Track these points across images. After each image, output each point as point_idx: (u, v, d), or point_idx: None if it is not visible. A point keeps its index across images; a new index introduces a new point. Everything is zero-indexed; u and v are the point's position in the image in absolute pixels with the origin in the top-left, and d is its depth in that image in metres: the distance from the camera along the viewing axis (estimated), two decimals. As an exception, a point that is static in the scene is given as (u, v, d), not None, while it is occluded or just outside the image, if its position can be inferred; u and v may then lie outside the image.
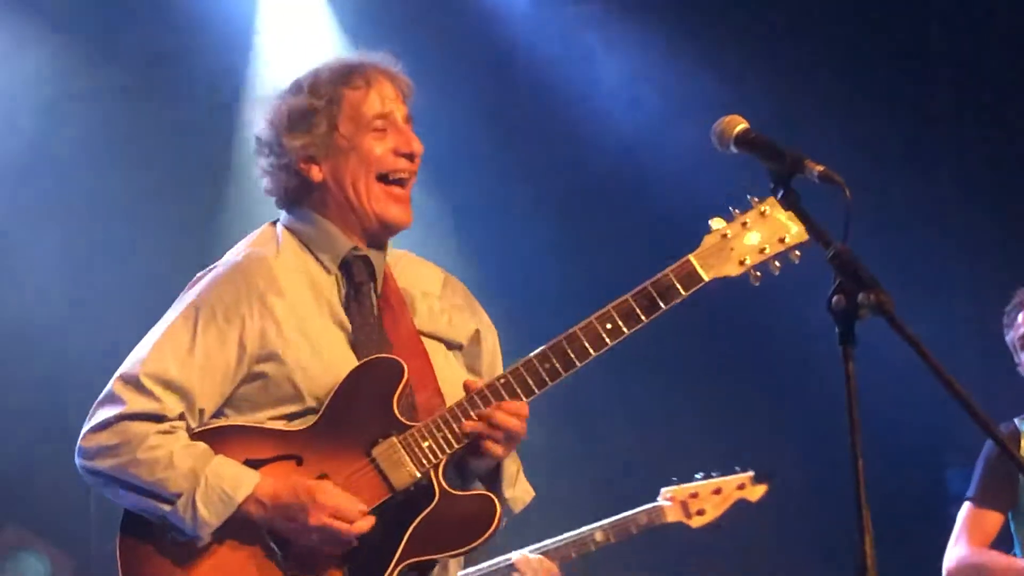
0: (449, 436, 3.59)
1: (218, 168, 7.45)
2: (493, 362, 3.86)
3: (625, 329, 3.62)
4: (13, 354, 7.12)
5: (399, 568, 3.56)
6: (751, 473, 5.70)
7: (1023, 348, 5.93)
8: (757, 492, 5.70)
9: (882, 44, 8.15)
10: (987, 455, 5.87)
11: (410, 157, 3.76)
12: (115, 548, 3.62)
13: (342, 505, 3.52)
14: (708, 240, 3.67)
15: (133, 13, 7.38)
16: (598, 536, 5.44)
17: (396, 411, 3.61)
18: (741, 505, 5.74)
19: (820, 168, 3.06)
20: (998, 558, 5.85)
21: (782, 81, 7.85)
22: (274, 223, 3.87)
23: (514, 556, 5.41)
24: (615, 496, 5.70)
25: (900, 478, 7.39)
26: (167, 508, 3.54)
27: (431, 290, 3.87)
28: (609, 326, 3.61)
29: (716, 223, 3.67)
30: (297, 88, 3.80)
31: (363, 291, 3.76)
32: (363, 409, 3.61)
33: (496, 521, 3.60)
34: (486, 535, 3.60)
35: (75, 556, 7.06)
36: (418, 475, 3.58)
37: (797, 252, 3.60)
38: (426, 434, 3.59)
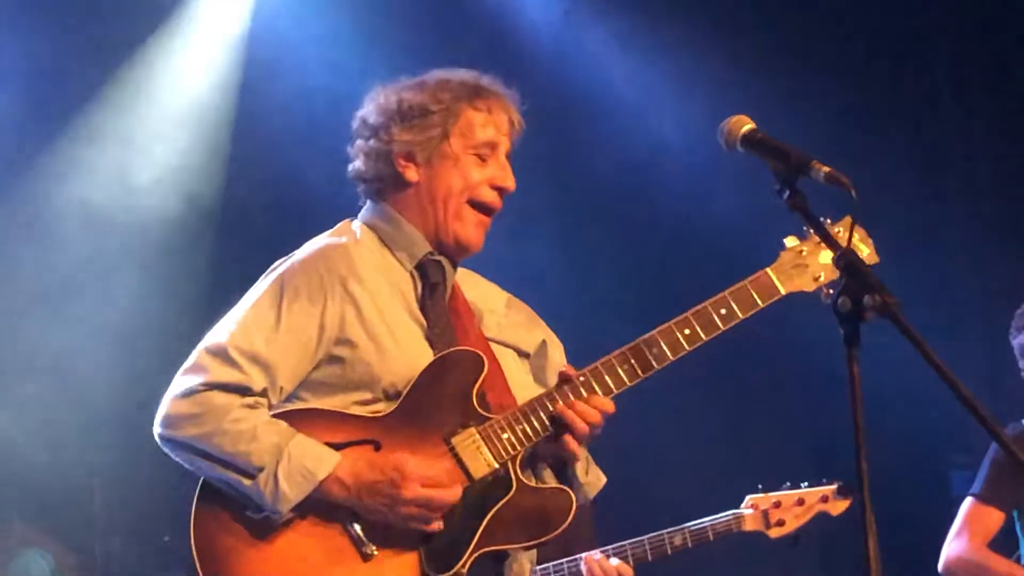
0: (528, 429, 3.64)
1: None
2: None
3: (703, 335, 3.71)
4: (17, 350, 7.12)
5: (474, 556, 3.59)
6: (835, 486, 5.60)
7: None
8: (840, 506, 5.60)
9: (894, 58, 8.17)
10: (995, 453, 5.87)
11: (501, 192, 3.82)
12: (189, 516, 3.62)
13: (433, 473, 3.56)
14: (784, 256, 3.78)
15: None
16: (676, 540, 5.44)
17: (475, 403, 3.65)
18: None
19: (827, 169, 3.05)
20: (996, 562, 5.85)
21: (802, 92, 7.84)
22: (351, 220, 3.91)
23: (585, 554, 5.41)
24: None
25: (905, 479, 7.38)
26: (247, 482, 3.56)
27: (496, 308, 3.94)
28: (688, 331, 3.70)
29: (791, 241, 3.78)
30: (421, 86, 3.83)
31: (438, 291, 3.80)
32: (443, 399, 3.65)
33: (572, 515, 3.64)
34: (561, 528, 3.64)
35: (79, 554, 7.06)
36: (496, 466, 3.63)
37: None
38: (505, 426, 3.64)
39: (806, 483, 5.62)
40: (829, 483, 5.62)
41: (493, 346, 3.83)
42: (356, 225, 3.87)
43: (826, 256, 3.74)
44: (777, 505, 5.56)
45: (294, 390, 3.69)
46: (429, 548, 3.59)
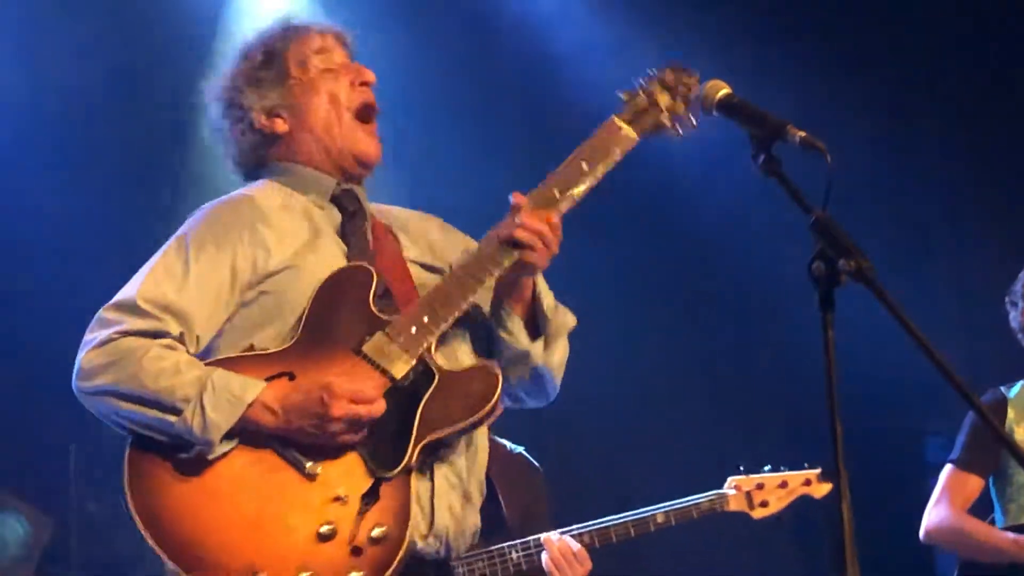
0: (434, 318, 3.62)
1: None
2: None
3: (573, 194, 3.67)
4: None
5: (419, 447, 3.56)
6: (819, 470, 5.66)
7: None
8: (822, 489, 5.68)
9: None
10: (973, 419, 5.89)
11: (367, 85, 3.84)
12: (123, 463, 3.56)
13: (358, 388, 3.52)
14: (625, 104, 3.74)
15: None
16: (659, 518, 5.51)
17: (374, 310, 3.63)
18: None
19: (802, 134, 3.07)
20: (978, 527, 5.87)
21: (777, 63, 7.85)
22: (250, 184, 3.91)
23: (543, 536, 5.45)
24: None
25: (879, 446, 7.41)
26: (173, 419, 3.49)
27: (406, 227, 3.93)
28: (557, 193, 3.66)
29: (625, 95, 3.75)
30: (238, 55, 3.88)
31: (358, 217, 3.81)
32: (343, 316, 3.63)
33: (498, 387, 3.62)
34: (491, 401, 3.61)
35: (54, 516, 7.06)
36: (413, 362, 3.60)
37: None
38: (410, 322, 3.61)
39: (784, 466, 5.68)
40: (812, 467, 5.69)
41: (411, 266, 3.82)
42: (259, 183, 3.87)
43: (664, 98, 3.71)
44: (760, 487, 5.65)
45: (211, 341, 3.66)
46: (371, 452, 3.56)
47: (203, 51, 7.25)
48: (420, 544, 3.63)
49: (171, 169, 7.42)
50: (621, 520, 5.50)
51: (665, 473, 6.72)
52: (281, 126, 3.82)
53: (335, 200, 3.82)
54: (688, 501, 5.56)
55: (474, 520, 3.77)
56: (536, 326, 3.78)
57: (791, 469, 5.70)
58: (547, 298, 3.79)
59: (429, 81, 7.56)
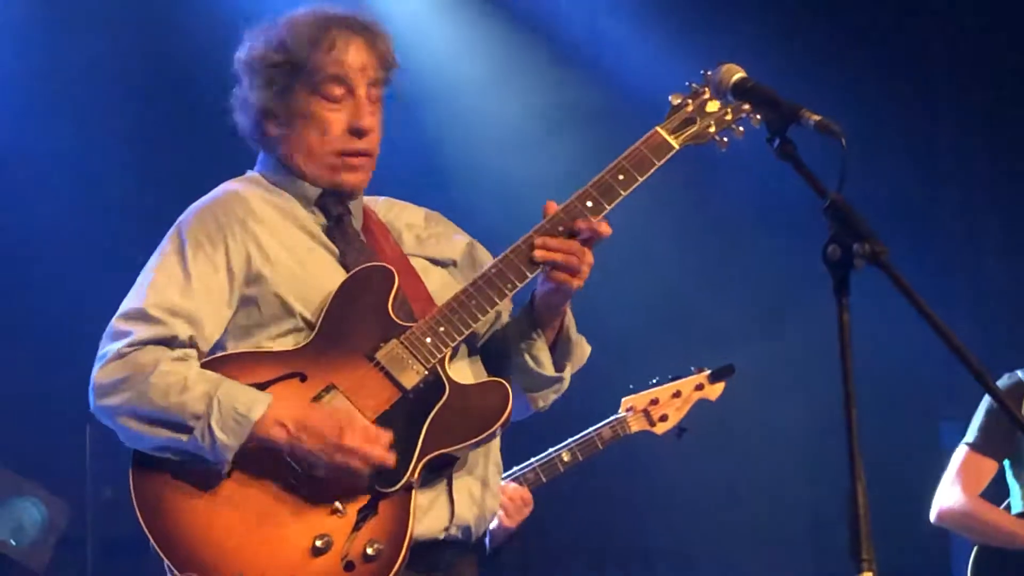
0: (451, 329, 3.61)
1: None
2: None
3: (606, 205, 3.66)
4: (9, 297, 7.12)
5: (421, 464, 3.56)
6: (707, 371, 5.65)
7: None
8: (716, 391, 5.63)
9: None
10: (990, 401, 5.86)
11: (359, 133, 3.74)
12: (129, 479, 3.60)
13: (374, 432, 3.52)
14: (672, 113, 3.76)
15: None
16: (565, 456, 5.40)
17: (392, 315, 3.63)
18: (706, 409, 5.67)
19: (817, 118, 3.07)
20: (989, 512, 5.86)
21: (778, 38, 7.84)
22: (249, 170, 3.92)
23: None
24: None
25: (894, 430, 7.40)
26: (185, 438, 3.50)
27: (414, 223, 3.94)
28: (590, 204, 3.65)
29: (675, 99, 3.76)
30: (269, 39, 3.79)
31: (344, 220, 3.80)
32: (359, 318, 3.63)
33: (509, 405, 3.61)
34: (501, 420, 3.62)
35: (70, 502, 7.07)
36: (425, 372, 3.60)
37: (758, 116, 3.63)
38: (427, 331, 3.61)
39: (671, 375, 5.62)
40: (700, 370, 5.63)
41: (414, 260, 3.82)
42: (251, 174, 3.88)
43: (713, 105, 3.74)
44: (655, 402, 5.58)
45: (219, 339, 3.67)
46: (375, 470, 3.55)
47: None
48: (442, 536, 3.64)
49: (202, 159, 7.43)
50: (529, 467, 5.39)
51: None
52: (273, 131, 3.79)
53: (319, 204, 3.80)
54: (588, 432, 5.46)
55: (492, 504, 3.78)
56: (554, 348, 3.79)
57: (675, 377, 5.66)
58: (572, 327, 3.80)
59: (466, 77, 7.54)
